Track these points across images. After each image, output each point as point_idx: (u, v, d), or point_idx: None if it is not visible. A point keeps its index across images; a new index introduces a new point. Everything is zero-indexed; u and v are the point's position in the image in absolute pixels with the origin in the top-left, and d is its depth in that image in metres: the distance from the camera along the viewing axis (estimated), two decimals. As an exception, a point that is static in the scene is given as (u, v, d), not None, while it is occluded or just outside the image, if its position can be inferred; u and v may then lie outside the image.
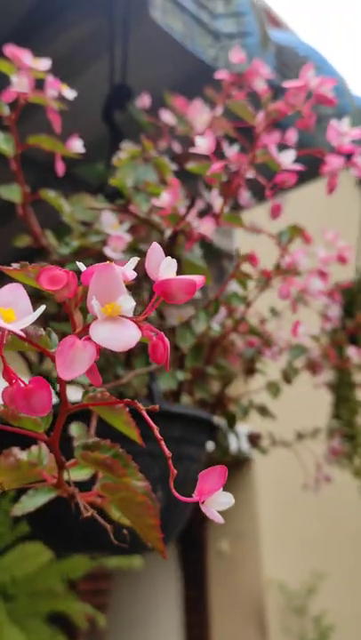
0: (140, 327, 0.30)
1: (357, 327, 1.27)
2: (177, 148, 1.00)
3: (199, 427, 0.89)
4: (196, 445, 0.88)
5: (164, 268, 0.30)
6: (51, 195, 0.77)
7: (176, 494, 0.38)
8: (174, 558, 6.04)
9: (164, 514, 0.83)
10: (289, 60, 1.53)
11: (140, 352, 0.87)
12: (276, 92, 1.46)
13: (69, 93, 0.65)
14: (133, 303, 0.28)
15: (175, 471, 0.84)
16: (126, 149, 0.69)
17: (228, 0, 1.25)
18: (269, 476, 5.49)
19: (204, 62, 1.20)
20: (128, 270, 0.32)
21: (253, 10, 1.28)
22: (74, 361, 0.27)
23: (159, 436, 0.38)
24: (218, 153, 0.99)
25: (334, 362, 1.22)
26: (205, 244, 1.34)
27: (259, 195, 1.83)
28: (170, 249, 0.68)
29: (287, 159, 0.59)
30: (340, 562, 5.55)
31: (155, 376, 0.84)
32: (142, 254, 0.72)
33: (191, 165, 0.64)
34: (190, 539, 6.00)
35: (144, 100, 1.09)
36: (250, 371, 1.13)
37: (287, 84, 0.63)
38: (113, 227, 0.65)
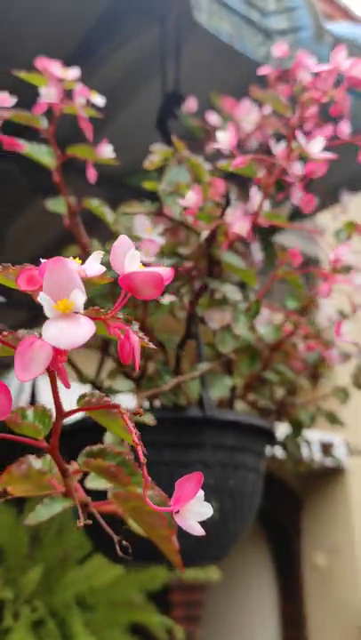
0: (108, 325, 0.29)
1: None
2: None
3: (255, 435, 0.86)
4: (252, 454, 0.85)
5: (129, 260, 0.28)
6: (94, 204, 0.77)
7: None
8: (270, 571, 5.93)
9: (219, 525, 0.80)
10: (349, 52, 1.47)
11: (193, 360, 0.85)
12: (336, 84, 1.40)
13: (99, 100, 0.65)
14: (84, 298, 0.27)
15: (230, 480, 0.81)
16: (158, 151, 0.68)
17: (279, -4, 1.22)
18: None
19: (257, 62, 1.17)
20: (91, 266, 0.31)
21: (306, 3, 1.24)
22: (31, 361, 0.26)
23: (137, 442, 0.36)
24: (266, 151, 0.96)
25: None
26: (266, 244, 1.30)
27: (331, 196, 1.77)
28: (207, 250, 0.66)
29: (316, 148, 0.56)
30: None
31: (206, 383, 0.81)
32: (182, 258, 0.70)
33: (222, 163, 0.62)
34: (285, 551, 5.87)
35: (190, 104, 1.08)
36: (314, 376, 1.08)
37: (316, 69, 0.60)
38: (146, 231, 0.64)
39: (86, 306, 0.29)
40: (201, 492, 0.33)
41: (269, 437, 0.92)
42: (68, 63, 1.66)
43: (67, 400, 0.41)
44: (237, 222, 0.63)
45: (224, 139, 0.60)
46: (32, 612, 1.52)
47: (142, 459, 0.36)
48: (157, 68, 1.41)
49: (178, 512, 0.33)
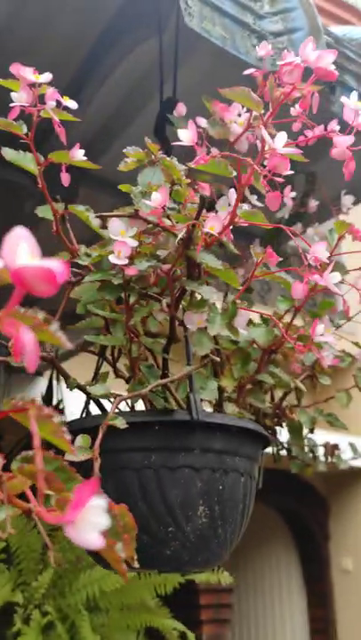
0: (1, 323, 0.28)
1: None
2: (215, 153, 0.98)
3: (246, 438, 0.85)
4: (244, 458, 0.84)
5: (20, 254, 0.28)
6: (79, 209, 0.77)
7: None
8: (300, 575, 5.87)
9: (208, 531, 0.79)
10: (352, 52, 1.45)
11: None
12: (333, 87, 1.39)
13: (72, 104, 0.66)
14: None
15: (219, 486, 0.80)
16: (131, 153, 0.68)
17: (274, -2, 1.21)
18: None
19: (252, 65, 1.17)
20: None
21: (302, 4, 1.23)
22: None
23: (71, 448, 0.35)
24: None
25: None
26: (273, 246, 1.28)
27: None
28: (184, 252, 0.66)
29: (279, 143, 0.55)
30: None
31: (194, 386, 0.81)
32: (160, 260, 0.70)
33: (201, 165, 0.62)
34: (314, 555, 5.80)
35: (180, 109, 1.08)
36: (313, 378, 1.07)
37: (281, 62, 0.59)
38: (120, 233, 0.64)
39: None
40: (98, 501, 0.32)
41: (263, 441, 0.91)
42: (74, 79, 1.69)
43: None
44: (209, 222, 0.63)
45: (185, 136, 0.59)
46: (42, 617, 1.53)
47: (96, 471, 0.35)
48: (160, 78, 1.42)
49: (71, 522, 0.32)
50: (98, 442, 0.59)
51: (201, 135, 1.05)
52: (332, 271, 0.89)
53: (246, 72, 0.87)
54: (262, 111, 0.63)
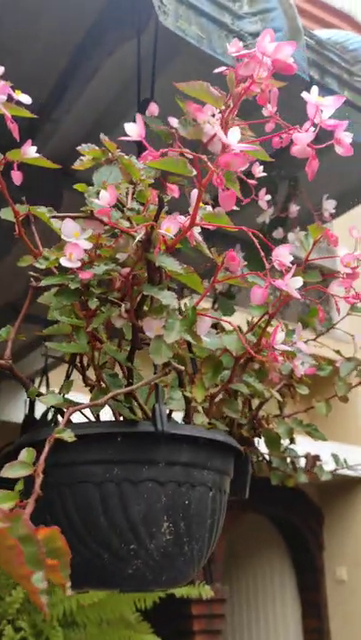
0: None
1: None
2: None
3: (216, 451, 0.81)
4: (213, 471, 0.80)
5: None
6: (41, 210, 0.74)
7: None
8: (294, 585, 5.82)
9: (173, 548, 0.76)
10: (335, 55, 1.43)
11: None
12: (308, 86, 1.37)
13: (25, 98, 0.62)
14: None
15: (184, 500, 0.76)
16: (87, 151, 0.64)
17: (253, -2, 1.19)
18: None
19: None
20: None
21: (282, 4, 1.20)
22: None
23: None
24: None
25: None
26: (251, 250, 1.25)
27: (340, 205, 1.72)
28: (143, 255, 0.63)
29: (233, 138, 0.52)
30: None
31: (160, 396, 0.77)
32: (120, 264, 0.67)
33: (151, 162, 0.59)
34: (308, 565, 5.75)
35: (152, 108, 1.05)
36: (290, 387, 1.04)
37: (237, 54, 0.56)
38: (74, 235, 0.61)
39: None
40: None
41: (235, 453, 0.87)
42: (61, 77, 1.67)
43: None
44: (164, 224, 0.60)
45: (132, 130, 0.56)
46: (16, 633, 1.48)
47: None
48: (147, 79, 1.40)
49: None
50: (43, 456, 0.56)
51: (174, 136, 1.02)
52: (306, 276, 0.86)
53: (217, 70, 0.84)
54: (223, 107, 0.60)
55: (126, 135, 0.56)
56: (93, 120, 1.63)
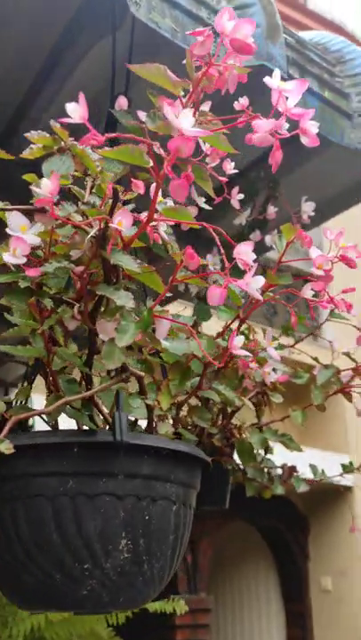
0: None
1: None
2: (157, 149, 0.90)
3: (181, 462, 0.76)
4: (176, 484, 0.76)
5: None
6: (-5, 206, 0.69)
7: None
8: (278, 594, 5.77)
9: (131, 567, 0.71)
10: (316, 55, 1.40)
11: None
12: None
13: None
14: None
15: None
16: (36, 139, 0.60)
17: (232, -7, 1.15)
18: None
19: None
20: None
21: (260, 0, 1.17)
22: None
23: None
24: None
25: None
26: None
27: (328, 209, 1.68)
28: (97, 251, 0.58)
29: (185, 122, 0.47)
30: None
31: (120, 404, 0.73)
32: (73, 262, 0.62)
33: (106, 150, 0.54)
34: (293, 575, 5.71)
35: (121, 102, 1.01)
36: (263, 395, 0.99)
37: (191, 32, 0.52)
38: (21, 229, 0.56)
39: None
40: None
41: (202, 465, 0.82)
42: (37, 76, 1.62)
43: None
44: (116, 217, 0.55)
45: (73, 110, 0.51)
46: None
47: None
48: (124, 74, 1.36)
49: None
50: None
51: (144, 131, 0.98)
52: (278, 278, 0.82)
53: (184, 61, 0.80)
54: (182, 93, 0.56)
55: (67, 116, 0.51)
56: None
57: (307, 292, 0.80)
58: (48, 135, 0.60)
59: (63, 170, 0.59)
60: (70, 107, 0.51)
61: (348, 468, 1.27)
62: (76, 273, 0.60)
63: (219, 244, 0.59)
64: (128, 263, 0.58)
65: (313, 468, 1.31)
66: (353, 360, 1.13)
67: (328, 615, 5.59)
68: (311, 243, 0.83)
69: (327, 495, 5.20)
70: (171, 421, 0.85)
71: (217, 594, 5.60)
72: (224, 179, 0.84)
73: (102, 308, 0.65)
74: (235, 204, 0.96)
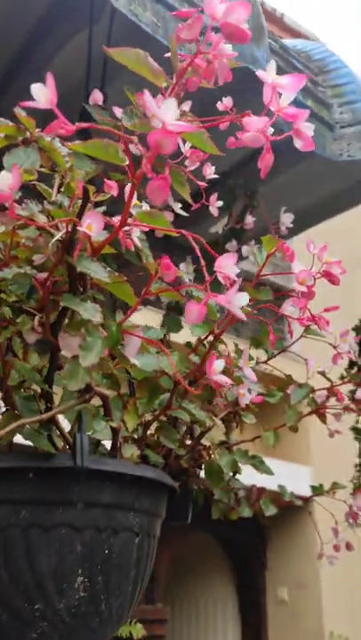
0: None
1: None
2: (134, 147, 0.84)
3: (146, 489, 0.70)
4: (140, 514, 0.69)
5: None
6: None
7: None
8: (235, 605, 5.72)
9: (88, 605, 0.64)
10: (299, 63, 1.36)
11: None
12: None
13: None
14: None
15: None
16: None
17: (216, -8, 1.10)
18: (332, 520, 5.11)
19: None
20: None
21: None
22: None
23: None
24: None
25: (346, 404, 1.01)
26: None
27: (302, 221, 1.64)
28: (63, 257, 0.51)
29: (168, 115, 0.41)
30: None
31: (83, 425, 0.66)
32: (35, 267, 0.55)
33: (76, 144, 0.48)
34: (250, 585, 5.67)
35: (95, 96, 0.95)
36: (235, 415, 0.94)
37: (177, 13, 0.46)
38: (-25, 230, 0.50)
39: None
40: None
41: (169, 491, 0.76)
42: (8, 66, 1.55)
43: None
44: (85, 220, 0.49)
45: (40, 93, 0.44)
46: None
47: None
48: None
49: None
50: None
51: (120, 128, 0.91)
52: (258, 292, 0.77)
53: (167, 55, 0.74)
54: (165, 84, 0.50)
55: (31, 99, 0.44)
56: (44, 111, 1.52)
57: (288, 308, 0.75)
58: (11, 123, 0.54)
59: (27, 164, 0.52)
60: (36, 88, 0.44)
61: (317, 490, 1.22)
62: (38, 280, 0.54)
63: (199, 253, 0.54)
64: (97, 271, 0.52)
65: (282, 489, 1.26)
66: (328, 379, 1.08)
67: (284, 626, 5.57)
68: (293, 256, 0.78)
69: (286, 506, 5.19)
70: (136, 442, 0.79)
71: (174, 604, 5.53)
72: (203, 184, 0.78)
73: (66, 320, 0.58)
74: (213, 210, 0.91)
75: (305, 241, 0.77)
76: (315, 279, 0.75)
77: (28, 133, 0.53)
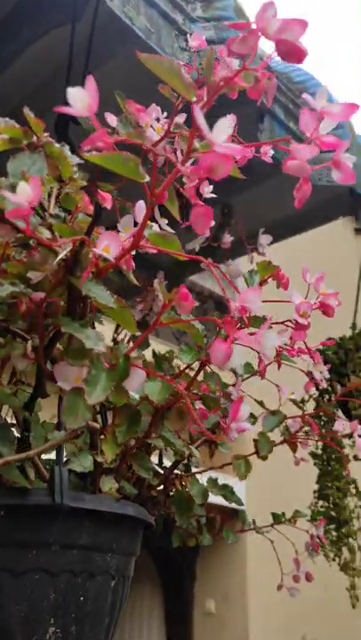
0: None
1: (349, 393, 1.04)
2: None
3: (125, 527, 0.65)
4: (119, 554, 0.64)
5: None
6: None
7: None
8: (162, 615, 5.66)
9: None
10: (282, 84, 1.35)
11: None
12: (261, 115, 1.27)
13: None
14: None
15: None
16: (2, 128, 0.47)
17: (208, 3, 1.07)
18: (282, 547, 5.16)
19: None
20: None
21: (238, 16, 1.10)
22: None
23: None
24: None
25: (318, 433, 0.99)
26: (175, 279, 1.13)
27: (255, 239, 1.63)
28: (66, 278, 0.46)
29: (220, 135, 0.37)
30: (331, 631, 5.16)
31: (61, 458, 0.60)
32: (30, 286, 0.50)
33: (90, 154, 0.43)
34: (178, 595, 5.62)
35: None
36: (210, 443, 0.90)
37: (232, 24, 0.42)
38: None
39: None
40: None
41: (145, 526, 0.71)
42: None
43: None
44: (103, 241, 0.44)
45: (78, 97, 0.38)
46: None
47: None
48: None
49: None
50: None
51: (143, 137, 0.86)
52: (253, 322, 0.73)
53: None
54: (194, 98, 0.46)
55: (65, 104, 0.39)
56: (17, 102, 1.44)
57: (280, 339, 0.72)
58: (17, 125, 0.48)
59: (33, 171, 0.46)
60: (73, 92, 0.38)
61: (278, 518, 1.19)
62: (33, 300, 0.48)
63: (220, 284, 0.49)
64: (102, 296, 0.47)
65: (242, 514, 1.23)
66: (300, 408, 1.06)
67: (209, 638, 5.56)
68: (288, 284, 0.75)
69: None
70: (113, 473, 0.74)
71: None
72: (199, 202, 0.74)
73: (58, 344, 0.53)
74: (206, 231, 0.87)
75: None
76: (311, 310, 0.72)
77: (34, 137, 0.48)
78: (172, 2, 1.02)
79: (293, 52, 0.40)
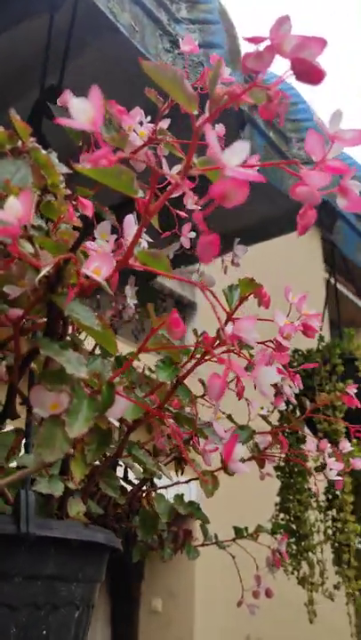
0: None
1: (316, 409, 1.03)
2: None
3: (91, 554, 0.62)
4: (84, 582, 0.61)
5: None
6: None
7: None
8: (107, 614, 5.61)
9: None
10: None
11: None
12: (243, 124, 1.25)
13: None
14: None
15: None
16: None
17: (193, 4, 1.04)
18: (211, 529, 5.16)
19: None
20: None
21: (224, 19, 1.07)
22: None
23: None
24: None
25: (286, 450, 0.97)
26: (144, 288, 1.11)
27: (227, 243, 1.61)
28: (46, 295, 0.42)
29: (234, 159, 0.35)
30: (276, 630, 5.22)
31: (28, 483, 0.56)
32: (7, 302, 0.46)
33: (83, 167, 0.39)
34: (124, 594, 5.59)
35: (65, 97, 0.85)
36: (180, 461, 0.87)
37: (248, 38, 0.39)
38: None
39: None
40: None
41: (111, 552, 0.68)
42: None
43: None
44: (93, 262, 0.40)
45: (80, 109, 0.34)
46: None
47: None
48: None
49: None
50: None
51: (89, 139, 0.83)
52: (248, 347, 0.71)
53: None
54: (196, 112, 0.43)
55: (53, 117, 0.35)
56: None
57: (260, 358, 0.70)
58: (2, 129, 0.44)
59: (17, 179, 0.42)
60: (77, 103, 0.34)
61: (241, 532, 1.18)
62: (9, 317, 0.44)
63: (216, 314, 0.46)
64: (86, 317, 0.43)
65: (203, 528, 1.20)
66: (269, 423, 1.05)
67: (155, 637, 5.55)
68: (269, 303, 0.73)
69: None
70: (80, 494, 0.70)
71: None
72: (183, 213, 0.72)
73: (33, 364, 0.49)
74: (185, 242, 0.84)
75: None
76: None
77: (19, 142, 0.44)
78: (157, 1, 0.98)
79: (311, 73, 0.37)
